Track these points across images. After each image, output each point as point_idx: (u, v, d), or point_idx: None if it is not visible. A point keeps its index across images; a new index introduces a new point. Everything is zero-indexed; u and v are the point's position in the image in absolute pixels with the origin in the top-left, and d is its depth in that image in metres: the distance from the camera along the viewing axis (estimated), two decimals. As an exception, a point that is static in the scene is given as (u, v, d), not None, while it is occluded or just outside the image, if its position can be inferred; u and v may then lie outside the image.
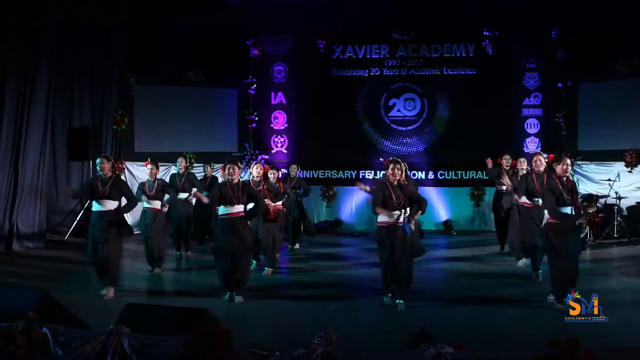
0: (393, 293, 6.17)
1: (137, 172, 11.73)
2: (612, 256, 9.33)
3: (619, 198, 10.62)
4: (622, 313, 5.72)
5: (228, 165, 6.44)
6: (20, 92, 9.68)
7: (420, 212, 6.18)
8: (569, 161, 6.07)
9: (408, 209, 6.13)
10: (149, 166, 8.15)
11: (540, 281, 7.25)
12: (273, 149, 13.15)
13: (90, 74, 11.64)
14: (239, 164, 6.52)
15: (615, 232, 10.56)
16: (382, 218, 6.12)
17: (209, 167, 10.14)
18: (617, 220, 10.56)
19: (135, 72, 12.16)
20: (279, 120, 13.21)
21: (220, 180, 9.91)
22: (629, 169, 11.18)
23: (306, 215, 10.57)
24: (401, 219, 6.03)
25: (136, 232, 9.52)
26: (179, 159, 9.39)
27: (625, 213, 10.78)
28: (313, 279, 7.68)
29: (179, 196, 9.05)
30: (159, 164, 8.53)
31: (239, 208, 6.35)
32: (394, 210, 6.05)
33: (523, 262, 8.10)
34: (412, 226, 6.09)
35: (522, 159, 8.33)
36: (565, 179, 6.03)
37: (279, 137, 13.21)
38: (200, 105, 12.69)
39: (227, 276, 6.32)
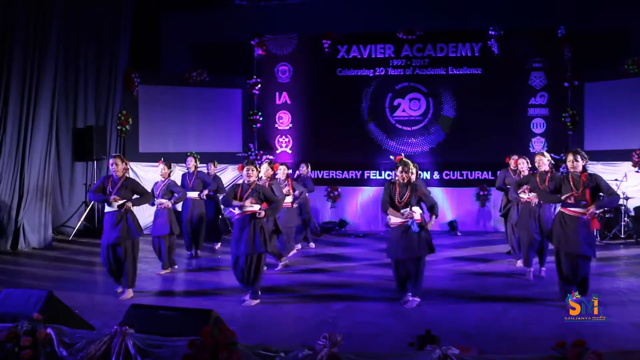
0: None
1: (142, 173, 11.74)
2: (619, 257, 9.27)
3: (626, 198, 10.55)
4: (629, 314, 5.69)
5: (246, 167, 6.44)
6: (24, 92, 9.70)
7: (434, 216, 6.20)
8: (571, 156, 6.02)
9: (416, 208, 6.14)
10: (161, 166, 8.18)
11: (539, 276, 7.33)
12: (277, 149, 13.14)
13: (95, 74, 11.65)
14: (257, 166, 6.49)
15: (622, 233, 10.50)
16: (392, 220, 6.22)
17: (212, 166, 10.14)
18: (624, 220, 10.49)
19: (140, 72, 12.18)
20: (284, 121, 13.19)
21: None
22: (636, 168, 11.10)
23: (311, 216, 10.53)
24: (407, 217, 6.06)
25: (146, 232, 9.57)
26: (188, 159, 9.42)
27: (632, 213, 10.70)
28: (318, 280, 7.66)
29: (189, 195, 9.10)
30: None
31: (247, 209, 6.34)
32: (400, 210, 6.10)
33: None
34: (429, 226, 6.14)
35: (522, 160, 8.29)
36: (578, 173, 5.97)
37: (284, 137, 13.19)
38: (205, 106, 12.68)
39: (240, 277, 6.36)
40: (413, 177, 6.29)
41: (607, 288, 6.78)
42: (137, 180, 11.51)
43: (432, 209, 6.19)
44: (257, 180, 6.53)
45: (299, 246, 9.86)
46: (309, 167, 10.74)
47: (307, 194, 10.00)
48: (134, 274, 6.67)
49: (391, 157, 6.46)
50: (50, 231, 10.35)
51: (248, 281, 6.31)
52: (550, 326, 5.32)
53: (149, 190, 7.73)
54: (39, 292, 4.50)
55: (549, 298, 6.25)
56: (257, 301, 6.31)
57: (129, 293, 6.56)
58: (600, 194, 5.92)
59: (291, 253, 8.95)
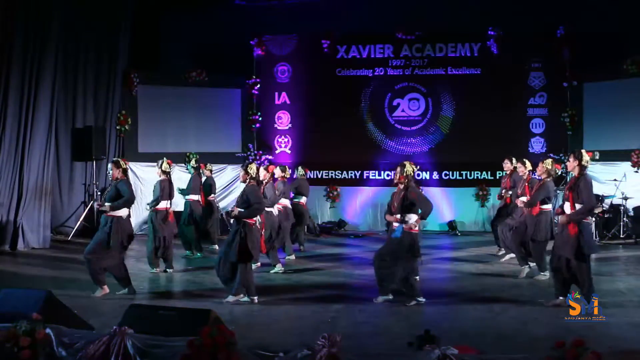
0: (394, 293, 6.28)
1: (141, 173, 11.73)
2: (618, 257, 9.28)
3: (625, 198, 10.56)
4: (628, 314, 5.69)
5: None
6: (24, 92, 9.69)
7: (419, 217, 6.14)
8: (571, 159, 6.03)
9: (412, 215, 6.12)
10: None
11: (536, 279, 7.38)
12: (277, 149, 13.14)
13: (94, 74, 11.64)
14: (248, 169, 6.47)
15: (622, 233, 10.50)
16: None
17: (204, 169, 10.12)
18: (623, 220, 10.50)
19: (139, 72, 12.18)
20: (283, 121, 13.19)
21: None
22: (636, 169, 11.11)
23: (302, 221, 10.26)
24: (396, 223, 6.14)
25: (140, 232, 9.57)
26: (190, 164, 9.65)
27: (631, 213, 10.71)
28: (317, 280, 7.66)
29: (187, 197, 9.20)
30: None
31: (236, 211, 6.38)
32: (393, 214, 6.19)
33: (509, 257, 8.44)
34: (413, 227, 6.08)
35: (519, 164, 8.37)
36: (575, 174, 5.97)
37: (283, 137, 13.19)
38: (204, 106, 12.68)
39: (217, 274, 6.40)
40: (397, 177, 6.26)
41: (606, 288, 6.77)
42: (136, 181, 11.63)
43: (422, 207, 6.14)
44: (252, 182, 6.45)
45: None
46: (298, 169, 10.35)
47: (302, 200, 9.82)
48: (99, 276, 6.50)
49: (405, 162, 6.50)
50: (49, 231, 10.35)
51: (224, 281, 6.33)
52: (549, 326, 5.31)
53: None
54: (38, 292, 4.51)
55: (548, 299, 6.24)
56: (236, 298, 6.19)
57: (100, 291, 6.47)
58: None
59: (292, 256, 8.88)
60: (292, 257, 8.93)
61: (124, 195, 6.54)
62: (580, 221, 5.74)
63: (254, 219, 6.35)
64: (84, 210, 11.20)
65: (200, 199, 9.39)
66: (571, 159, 5.95)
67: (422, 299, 6.20)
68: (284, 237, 8.68)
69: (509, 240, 7.96)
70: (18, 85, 9.61)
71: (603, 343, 4.37)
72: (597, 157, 10.39)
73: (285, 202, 8.77)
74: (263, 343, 4.22)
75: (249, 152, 12.81)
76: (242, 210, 6.23)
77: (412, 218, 6.10)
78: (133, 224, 10.84)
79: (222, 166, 12.16)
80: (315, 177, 12.65)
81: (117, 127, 12.03)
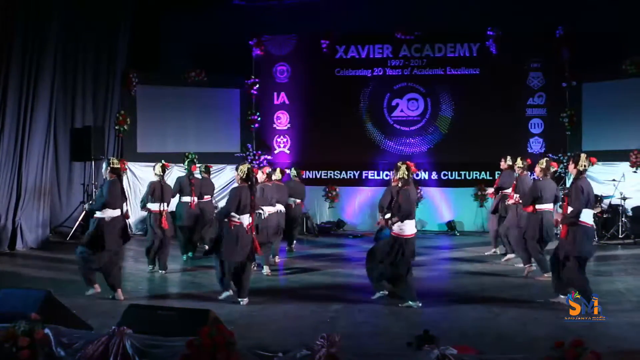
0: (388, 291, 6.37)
1: (140, 173, 11.72)
2: (617, 257, 9.28)
3: (624, 198, 10.56)
4: (627, 314, 5.69)
5: None
6: (23, 92, 9.68)
7: (396, 219, 6.08)
8: (570, 161, 6.09)
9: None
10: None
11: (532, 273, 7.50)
12: (275, 149, 13.13)
13: (93, 74, 11.63)
14: (238, 170, 6.44)
15: (620, 233, 10.51)
16: None
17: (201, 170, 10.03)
18: (622, 220, 10.50)
19: (138, 72, 12.16)
20: (282, 121, 13.19)
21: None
22: (634, 169, 11.11)
23: (296, 221, 10.00)
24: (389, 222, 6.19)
25: (138, 232, 9.54)
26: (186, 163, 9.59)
27: (630, 213, 10.72)
28: (316, 280, 7.66)
29: (183, 199, 9.04)
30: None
31: None
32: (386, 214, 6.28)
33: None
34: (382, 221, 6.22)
35: (514, 163, 8.51)
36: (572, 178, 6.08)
37: (282, 137, 13.19)
38: (203, 106, 12.67)
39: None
40: (392, 177, 6.35)
41: (605, 288, 6.78)
42: (135, 181, 11.63)
43: (399, 211, 6.07)
44: (243, 183, 6.41)
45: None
46: (291, 170, 10.14)
47: (297, 202, 9.68)
48: (88, 276, 6.55)
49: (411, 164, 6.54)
50: (48, 231, 10.33)
51: (235, 283, 6.44)
52: (548, 326, 5.32)
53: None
54: (37, 292, 4.50)
55: (547, 299, 6.24)
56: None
57: (92, 290, 6.49)
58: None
59: (276, 259, 8.67)
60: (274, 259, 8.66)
61: (102, 196, 6.40)
62: (574, 224, 5.75)
63: (237, 220, 6.24)
64: (83, 211, 11.18)
65: (190, 201, 9.05)
66: (571, 162, 6.05)
67: (416, 303, 6.08)
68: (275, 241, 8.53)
69: (513, 242, 8.07)
70: (17, 85, 9.60)
71: (602, 343, 4.39)
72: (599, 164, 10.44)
73: (277, 208, 8.36)
74: (262, 343, 4.23)
75: (247, 152, 12.80)
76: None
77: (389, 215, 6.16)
78: (132, 224, 10.78)
79: (221, 166, 12.14)
80: (314, 177, 12.65)
81: (116, 127, 12.02)
